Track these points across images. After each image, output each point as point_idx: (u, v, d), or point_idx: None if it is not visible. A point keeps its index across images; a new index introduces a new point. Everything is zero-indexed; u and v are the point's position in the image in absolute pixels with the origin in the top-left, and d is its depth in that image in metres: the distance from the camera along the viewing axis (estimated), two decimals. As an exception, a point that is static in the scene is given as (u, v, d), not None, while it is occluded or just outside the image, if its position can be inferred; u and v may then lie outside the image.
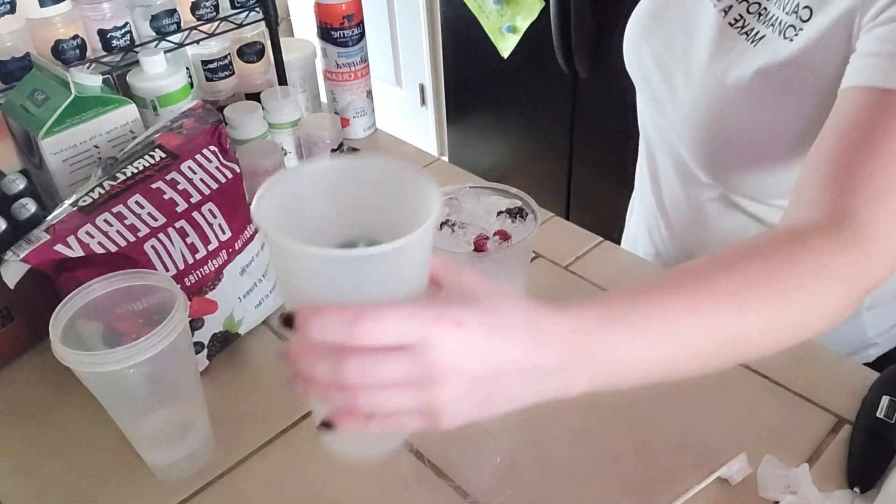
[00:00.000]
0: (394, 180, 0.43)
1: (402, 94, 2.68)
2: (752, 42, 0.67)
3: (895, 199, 0.51)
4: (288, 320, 0.37)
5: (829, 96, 0.59)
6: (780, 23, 0.65)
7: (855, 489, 0.55)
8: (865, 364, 0.78)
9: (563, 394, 0.43)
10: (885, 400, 0.60)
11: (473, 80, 2.33)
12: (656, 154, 0.84)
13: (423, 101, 2.62)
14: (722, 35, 0.70)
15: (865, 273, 0.51)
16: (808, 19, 0.62)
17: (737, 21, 0.69)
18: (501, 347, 0.38)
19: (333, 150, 0.98)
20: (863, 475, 0.56)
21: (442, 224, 0.59)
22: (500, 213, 0.60)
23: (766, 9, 0.67)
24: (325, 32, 1.01)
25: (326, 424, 0.40)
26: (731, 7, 0.69)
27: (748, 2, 0.69)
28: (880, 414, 0.59)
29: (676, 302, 0.45)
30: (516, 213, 0.60)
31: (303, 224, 0.41)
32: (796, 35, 0.63)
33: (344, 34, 1.00)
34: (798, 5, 0.63)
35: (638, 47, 0.78)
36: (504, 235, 0.58)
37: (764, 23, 0.66)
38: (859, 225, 0.50)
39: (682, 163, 0.78)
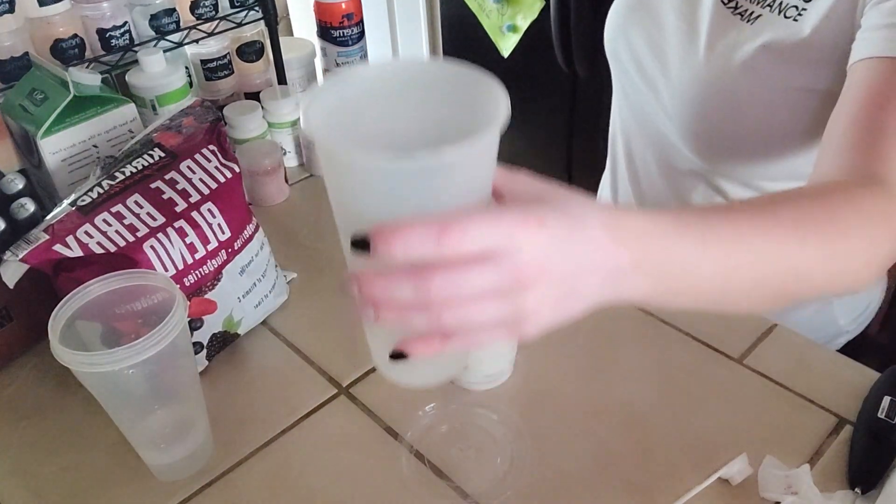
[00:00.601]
0: (458, 83, 0.39)
1: (402, 94, 2.68)
2: (749, 21, 0.68)
3: None
4: (362, 243, 0.34)
5: (836, 74, 0.61)
6: (778, 3, 0.66)
7: (856, 490, 0.55)
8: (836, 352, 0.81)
9: (627, 297, 0.42)
10: (886, 400, 0.60)
11: (473, 80, 2.33)
12: (635, 148, 0.85)
13: (423, 101, 2.62)
14: (717, 15, 0.71)
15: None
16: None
17: (730, 1, 0.70)
18: (582, 246, 0.38)
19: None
20: (864, 476, 0.56)
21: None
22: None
23: None
24: (325, 31, 1.01)
25: (399, 355, 0.38)
26: None
27: None
28: (881, 414, 0.59)
29: (745, 223, 0.45)
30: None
31: (357, 134, 0.37)
32: (800, 14, 0.64)
33: (343, 33, 1.00)
34: None
35: (627, 31, 0.80)
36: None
37: (758, 3, 0.68)
38: (890, 186, 0.51)
39: (666, 151, 0.79)
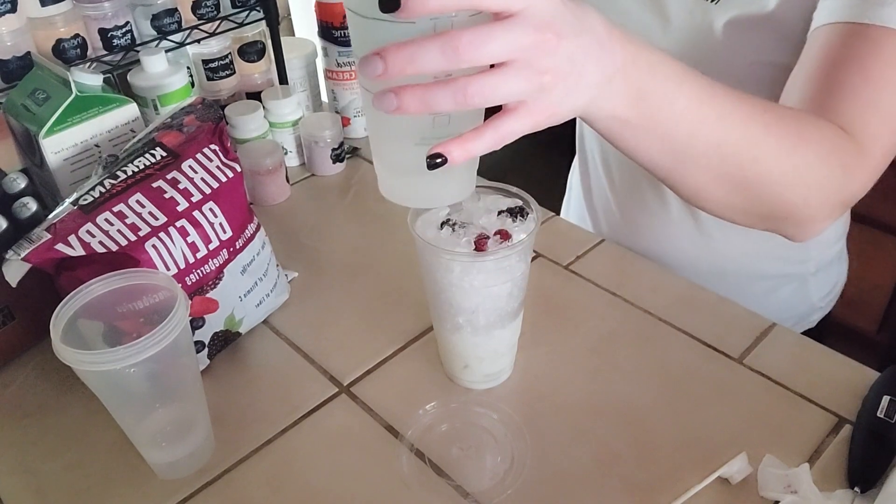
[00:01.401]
0: None
1: (403, 94, 2.68)
2: (714, 1, 0.68)
3: (882, 112, 0.55)
4: (392, 1, 0.33)
5: (800, 48, 0.62)
6: None
7: (855, 489, 0.55)
8: (809, 329, 0.85)
9: (608, 104, 0.44)
10: (885, 400, 0.60)
11: (474, 80, 2.33)
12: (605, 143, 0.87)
13: (424, 101, 2.62)
14: (682, 3, 0.71)
15: (858, 171, 0.56)
16: None
17: None
18: (587, 20, 0.40)
19: (334, 150, 0.98)
20: (863, 475, 0.56)
21: (442, 223, 0.59)
22: (500, 212, 0.60)
23: None
24: (326, 31, 1.01)
25: (437, 158, 0.39)
26: None
27: None
28: (881, 414, 0.59)
29: (720, 89, 0.49)
30: (517, 213, 0.60)
31: None
32: None
33: (345, 33, 1.00)
34: None
35: None
36: (504, 235, 0.58)
37: None
38: (850, 131, 0.54)
39: None
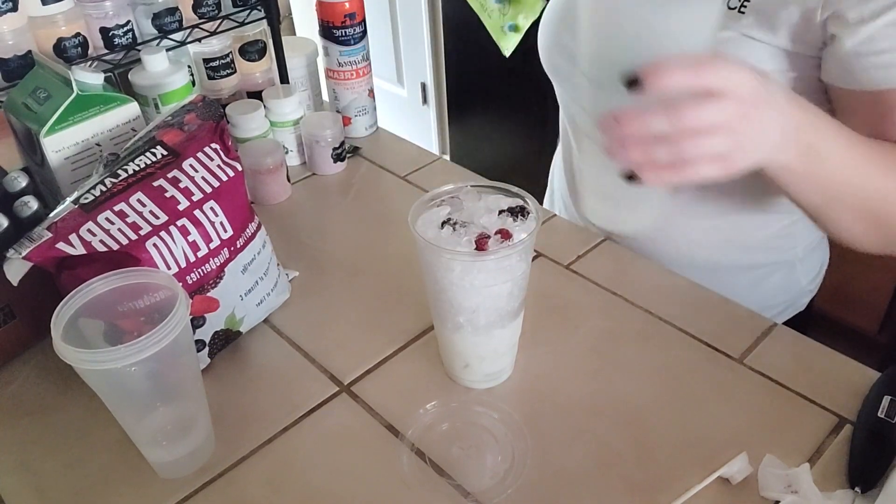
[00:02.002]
0: None
1: (404, 93, 2.68)
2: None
3: None
4: (634, 80, 0.43)
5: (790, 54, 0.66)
6: None
7: (856, 489, 0.55)
8: (799, 313, 0.87)
9: (785, 158, 0.54)
10: (886, 400, 0.60)
11: (475, 79, 2.33)
12: (586, 139, 0.87)
13: (425, 100, 2.62)
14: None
15: None
16: None
17: None
18: (778, 99, 0.50)
19: (335, 149, 0.98)
20: (864, 475, 0.56)
21: (443, 223, 0.59)
22: (501, 211, 0.60)
23: None
24: (327, 31, 1.01)
25: (632, 176, 0.49)
26: None
27: None
28: (881, 414, 0.59)
29: (860, 137, 0.59)
30: (517, 212, 0.60)
31: None
32: (744, 7, 0.66)
33: (346, 32, 1.00)
34: None
35: (561, 41, 0.81)
36: (505, 234, 0.58)
37: None
38: None
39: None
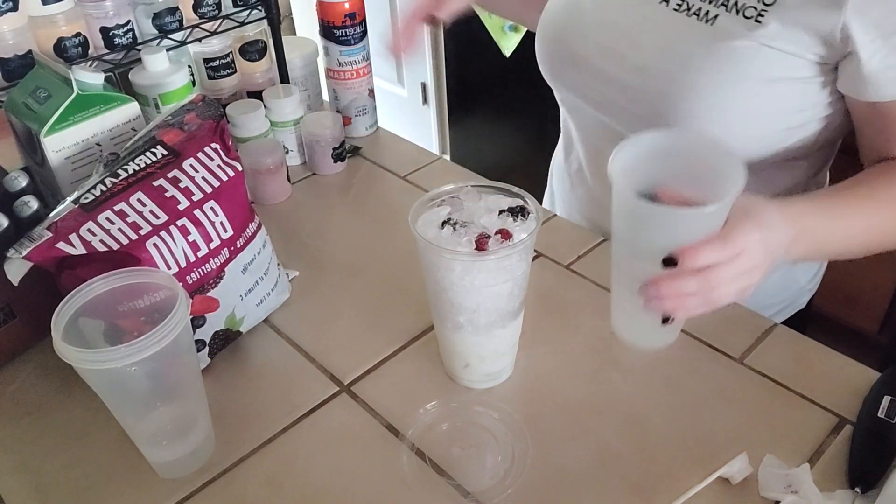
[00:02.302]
0: (706, 154, 0.57)
1: (404, 93, 2.68)
2: (708, 21, 0.68)
3: None
4: (671, 261, 0.53)
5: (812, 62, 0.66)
6: (734, 2, 0.67)
7: (856, 489, 0.55)
8: (798, 312, 0.85)
9: (791, 258, 0.66)
10: (886, 400, 0.60)
11: (475, 79, 2.33)
12: (584, 146, 0.87)
13: (425, 100, 2.62)
14: (670, 20, 0.71)
15: None
16: (772, 3, 0.65)
17: (681, 5, 0.70)
18: (775, 234, 0.57)
19: (335, 149, 0.98)
20: (864, 475, 0.56)
21: (444, 223, 0.59)
22: (501, 211, 0.60)
23: None
24: (328, 31, 1.01)
25: (666, 320, 0.58)
26: None
27: None
28: (881, 414, 0.59)
29: (853, 201, 0.66)
30: (518, 212, 0.60)
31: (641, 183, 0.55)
32: (760, 16, 0.65)
33: (346, 32, 1.00)
34: None
35: (565, 48, 0.80)
36: (506, 234, 0.58)
37: (711, 3, 0.68)
38: None
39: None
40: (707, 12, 0.68)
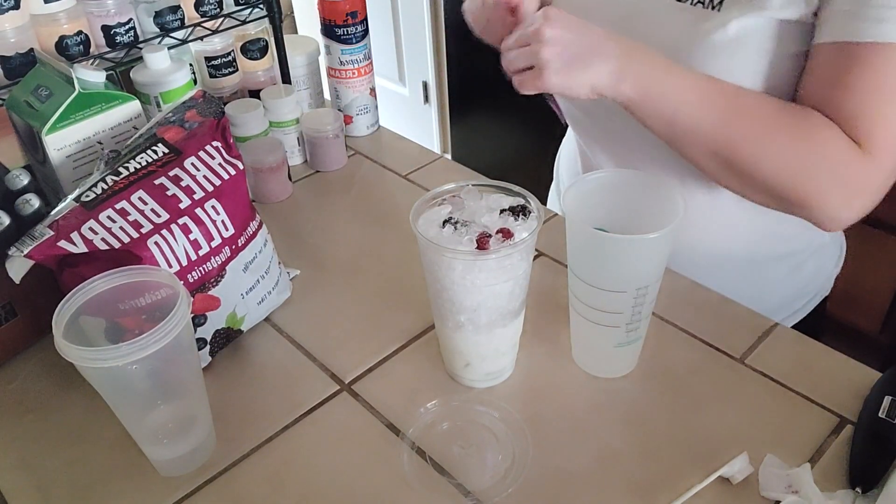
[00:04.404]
0: (646, 187, 0.62)
1: (406, 92, 2.68)
2: (715, 8, 0.68)
3: (889, 117, 0.62)
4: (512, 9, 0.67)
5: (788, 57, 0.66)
6: None
7: (857, 489, 0.55)
8: (814, 310, 0.88)
9: (617, 84, 0.63)
10: (887, 400, 0.60)
11: (477, 78, 2.33)
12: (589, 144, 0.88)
13: (427, 99, 2.62)
14: (675, 13, 0.70)
15: (869, 178, 0.64)
16: None
17: None
18: (587, 29, 0.61)
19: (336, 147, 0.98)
20: (865, 475, 0.56)
21: (444, 222, 0.59)
22: (502, 211, 0.60)
23: None
24: (329, 29, 1.01)
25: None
26: None
27: None
28: (882, 414, 0.59)
29: (715, 82, 0.65)
30: (519, 211, 0.60)
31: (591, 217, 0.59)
32: None
33: (347, 31, 1.00)
34: None
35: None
36: (507, 233, 0.58)
37: None
38: (862, 134, 0.62)
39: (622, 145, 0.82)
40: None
